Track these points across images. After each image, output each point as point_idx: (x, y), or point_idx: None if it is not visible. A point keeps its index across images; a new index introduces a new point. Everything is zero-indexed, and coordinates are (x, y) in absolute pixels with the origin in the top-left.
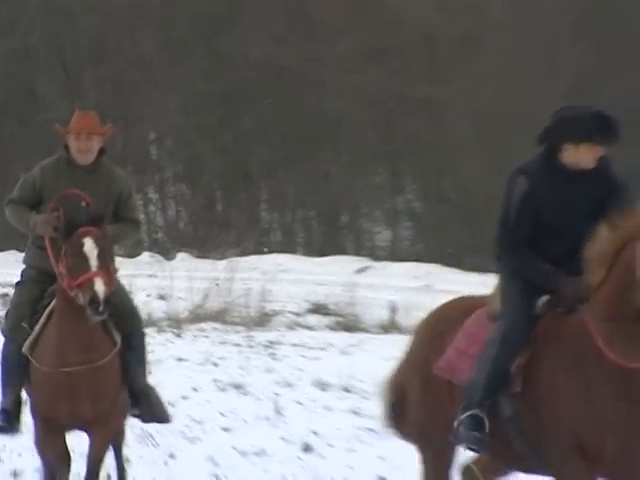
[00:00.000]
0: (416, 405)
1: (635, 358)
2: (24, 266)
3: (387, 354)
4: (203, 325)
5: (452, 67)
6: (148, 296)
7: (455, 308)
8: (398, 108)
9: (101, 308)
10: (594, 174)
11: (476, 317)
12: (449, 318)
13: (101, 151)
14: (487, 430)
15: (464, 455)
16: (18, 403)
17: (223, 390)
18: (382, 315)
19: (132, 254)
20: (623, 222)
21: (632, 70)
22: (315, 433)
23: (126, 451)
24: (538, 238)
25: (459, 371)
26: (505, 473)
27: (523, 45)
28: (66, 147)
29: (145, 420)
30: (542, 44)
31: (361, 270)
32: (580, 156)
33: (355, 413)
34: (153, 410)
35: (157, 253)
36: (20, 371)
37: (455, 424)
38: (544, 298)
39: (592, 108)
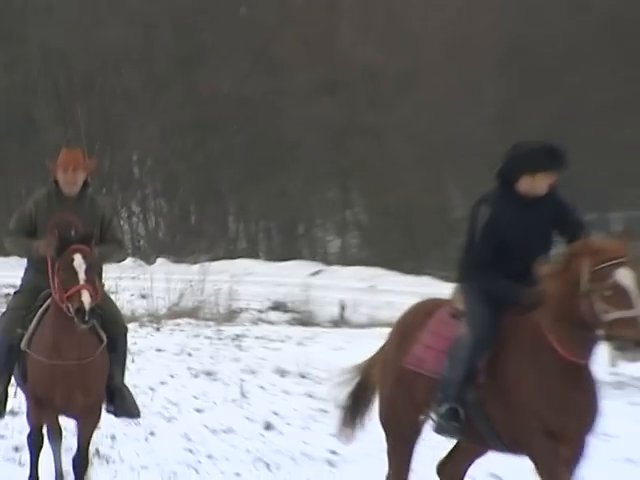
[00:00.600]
0: (387, 397)
1: (580, 355)
2: (22, 283)
3: (337, 345)
4: (179, 320)
5: (393, 99)
6: (132, 295)
7: (419, 311)
8: (347, 134)
9: (86, 317)
10: (545, 199)
11: (438, 316)
12: (414, 321)
13: (85, 183)
14: (463, 419)
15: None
16: (6, 393)
17: (196, 376)
18: (333, 312)
19: (118, 262)
20: (573, 244)
21: (548, 100)
22: (275, 413)
23: (112, 430)
24: (500, 258)
25: (425, 362)
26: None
27: (454, 79)
28: (55, 181)
29: (118, 415)
30: (470, 79)
31: (315, 273)
32: (536, 184)
33: (310, 396)
34: (126, 407)
35: (139, 258)
36: (9, 366)
37: (434, 417)
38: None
39: (541, 142)
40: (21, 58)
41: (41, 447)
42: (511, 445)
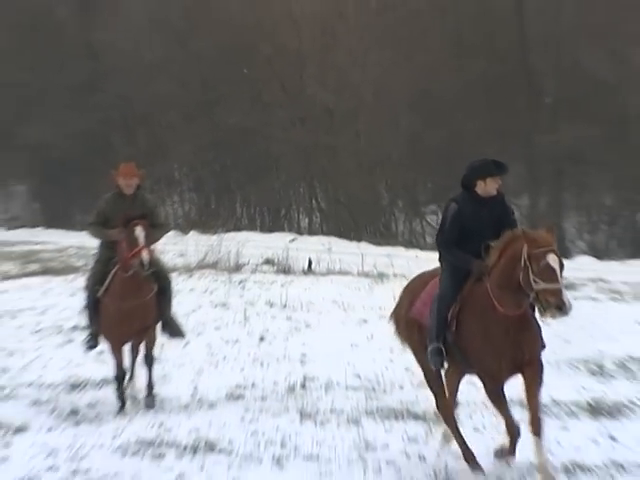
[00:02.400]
0: (403, 335)
1: (513, 311)
2: (98, 251)
3: (306, 286)
4: (204, 271)
5: (341, 128)
6: (173, 255)
7: (420, 278)
8: (312, 151)
9: (145, 268)
10: (495, 200)
11: (432, 283)
12: (416, 285)
13: (138, 185)
14: (445, 354)
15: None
16: (97, 332)
17: (215, 307)
18: (303, 265)
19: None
20: (512, 232)
21: (442, 130)
22: (266, 330)
23: (161, 340)
24: (462, 239)
25: (424, 315)
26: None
27: (381, 115)
28: (117, 186)
29: (170, 336)
30: (391, 115)
31: (292, 240)
32: (487, 187)
33: (288, 319)
34: (174, 331)
35: (178, 231)
36: (96, 311)
37: (427, 353)
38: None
39: (487, 158)
40: (103, 102)
41: (123, 371)
42: (475, 370)
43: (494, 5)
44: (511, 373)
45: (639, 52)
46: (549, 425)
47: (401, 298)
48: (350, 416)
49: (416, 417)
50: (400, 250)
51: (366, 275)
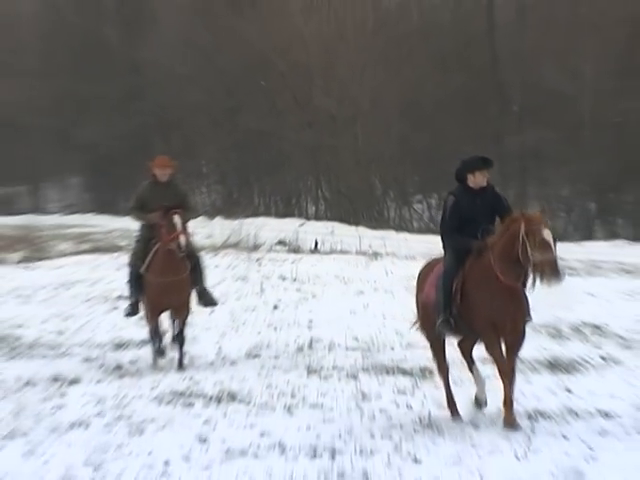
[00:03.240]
0: (419, 316)
1: (513, 281)
2: (139, 233)
3: (313, 263)
4: (227, 250)
5: (343, 131)
6: (202, 236)
7: (429, 265)
8: (318, 149)
9: (182, 250)
10: (486, 191)
11: (438, 267)
12: (426, 271)
13: (171, 175)
14: (452, 324)
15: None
16: (137, 302)
17: (236, 280)
18: (311, 245)
19: (194, 218)
20: (511, 215)
21: (425, 134)
22: (279, 299)
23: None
24: (460, 226)
25: (431, 295)
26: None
27: (375, 121)
28: (153, 175)
29: (205, 305)
30: (385, 122)
31: (301, 224)
32: (476, 179)
33: (298, 290)
34: (208, 300)
35: (205, 217)
36: (137, 284)
37: (436, 325)
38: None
39: (475, 155)
40: (143, 109)
41: (158, 333)
42: (478, 333)
43: (470, 30)
44: (509, 330)
45: (590, 68)
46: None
47: (416, 284)
48: (349, 372)
49: (404, 373)
50: (391, 233)
51: (363, 254)
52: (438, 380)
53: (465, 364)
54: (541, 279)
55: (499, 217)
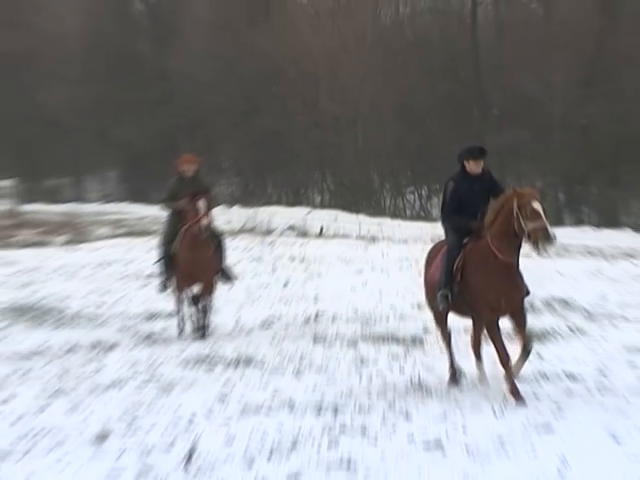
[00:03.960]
0: (425, 292)
1: (510, 257)
2: (167, 219)
3: (319, 246)
4: (244, 234)
5: (345, 130)
6: (222, 222)
7: (434, 248)
8: (324, 146)
9: (204, 231)
10: (483, 176)
11: (443, 250)
12: (431, 254)
13: (196, 170)
14: (450, 300)
15: None
16: (168, 279)
17: (251, 261)
18: (316, 229)
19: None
20: (504, 194)
21: (417, 135)
22: (289, 277)
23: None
24: (459, 208)
25: (436, 275)
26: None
27: (374, 122)
28: (180, 171)
29: (226, 281)
30: (382, 123)
31: (308, 212)
32: (471, 166)
33: (305, 269)
34: (229, 276)
35: (225, 205)
36: (167, 263)
37: (437, 296)
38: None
39: (472, 144)
40: (171, 111)
41: (182, 304)
42: (476, 310)
43: (456, 45)
44: (507, 308)
45: (559, 78)
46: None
47: (425, 264)
48: (350, 340)
49: (398, 341)
50: (387, 220)
51: (362, 238)
52: (427, 348)
53: (473, 357)
54: (537, 245)
55: (493, 197)
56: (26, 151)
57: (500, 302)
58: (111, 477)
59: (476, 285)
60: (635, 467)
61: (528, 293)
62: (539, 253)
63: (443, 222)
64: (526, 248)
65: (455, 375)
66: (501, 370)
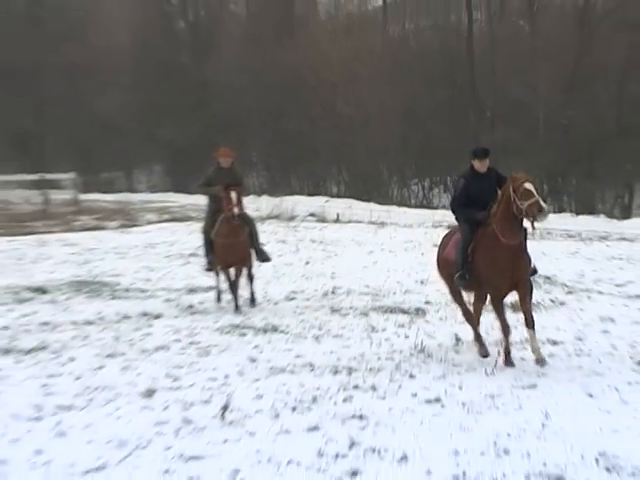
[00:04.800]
0: (440, 270)
1: (512, 239)
2: (207, 203)
3: (335, 230)
4: (271, 220)
5: (357, 130)
6: (252, 210)
7: (450, 233)
8: (341, 145)
9: (235, 217)
10: (490, 174)
11: (456, 235)
12: (449, 236)
13: (232, 162)
14: (468, 279)
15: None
16: (212, 260)
17: (278, 242)
18: (334, 216)
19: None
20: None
21: (414, 141)
22: (310, 257)
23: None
24: (468, 203)
25: (451, 254)
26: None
27: (383, 125)
28: (217, 162)
29: (262, 261)
30: (389, 123)
31: (326, 201)
32: (478, 165)
33: (324, 250)
34: (264, 257)
35: (255, 195)
36: (209, 246)
37: (454, 277)
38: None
39: (478, 146)
40: (209, 113)
41: (235, 283)
42: (485, 287)
43: (454, 55)
44: (510, 288)
45: (544, 85)
46: (486, 317)
47: (439, 247)
48: (362, 311)
49: (403, 312)
50: (394, 208)
51: (373, 223)
52: (429, 317)
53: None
54: (533, 219)
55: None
56: (85, 149)
57: (504, 282)
58: (157, 427)
59: (484, 267)
60: (607, 419)
61: (536, 272)
62: (534, 227)
63: (454, 212)
64: (530, 231)
65: (484, 345)
66: (493, 337)
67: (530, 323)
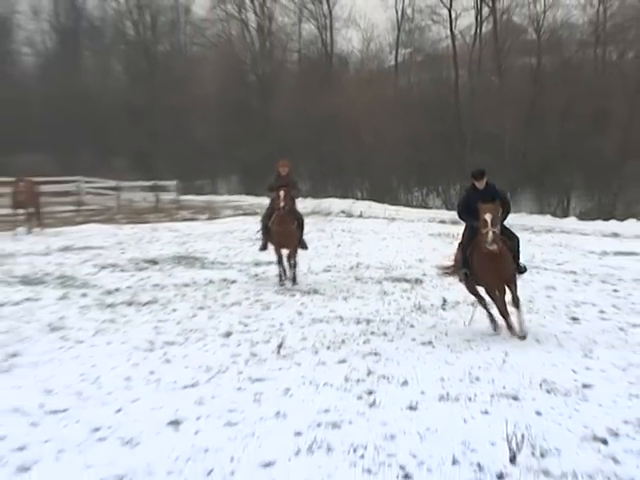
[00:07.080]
0: (455, 264)
1: (485, 249)
2: (269, 204)
3: (359, 223)
4: (313, 215)
5: (376, 152)
6: (299, 208)
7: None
8: (362, 165)
9: (282, 209)
10: (488, 189)
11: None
12: (459, 244)
13: (288, 172)
14: (470, 275)
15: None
16: (266, 243)
17: (317, 231)
18: (359, 213)
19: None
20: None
21: (422, 156)
22: (341, 242)
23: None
24: (469, 212)
25: (459, 255)
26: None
27: (393, 147)
28: (278, 172)
29: (302, 248)
30: (396, 147)
31: (353, 202)
32: (476, 183)
33: (351, 237)
34: (303, 245)
35: (302, 198)
36: (265, 233)
37: (460, 273)
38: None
39: (476, 168)
40: (270, 140)
41: (282, 261)
42: (481, 285)
43: (445, 100)
44: (500, 283)
45: (510, 121)
46: (473, 306)
47: (456, 250)
48: (377, 279)
49: (407, 281)
50: (402, 208)
51: (386, 218)
52: (424, 285)
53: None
54: (485, 243)
55: None
56: (184, 164)
57: (493, 280)
58: (233, 358)
59: (476, 268)
60: (548, 356)
61: (525, 270)
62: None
63: (460, 217)
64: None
65: (511, 324)
66: (464, 299)
67: (517, 304)
